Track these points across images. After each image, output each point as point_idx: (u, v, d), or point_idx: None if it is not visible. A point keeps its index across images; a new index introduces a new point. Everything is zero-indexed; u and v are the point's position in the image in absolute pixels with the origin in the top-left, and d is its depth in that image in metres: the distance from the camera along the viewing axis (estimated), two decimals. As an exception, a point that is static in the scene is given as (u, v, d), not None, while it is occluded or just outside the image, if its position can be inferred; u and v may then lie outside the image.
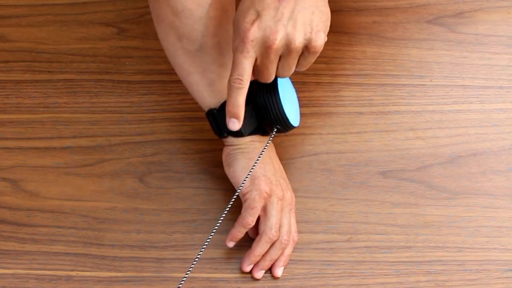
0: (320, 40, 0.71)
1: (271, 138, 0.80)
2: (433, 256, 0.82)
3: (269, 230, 0.79)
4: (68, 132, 0.91)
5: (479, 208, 0.85)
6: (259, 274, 0.81)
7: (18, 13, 1.00)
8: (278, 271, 0.81)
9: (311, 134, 0.89)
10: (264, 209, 0.80)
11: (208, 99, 0.81)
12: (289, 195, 0.82)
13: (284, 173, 0.83)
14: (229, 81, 0.72)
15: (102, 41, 0.97)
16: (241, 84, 0.72)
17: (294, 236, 0.81)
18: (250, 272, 0.81)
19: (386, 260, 0.82)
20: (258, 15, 0.70)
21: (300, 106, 0.83)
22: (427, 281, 0.81)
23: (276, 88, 0.78)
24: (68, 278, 0.82)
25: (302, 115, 0.86)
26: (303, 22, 0.70)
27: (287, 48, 0.71)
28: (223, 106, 0.77)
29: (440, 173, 0.87)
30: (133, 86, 0.93)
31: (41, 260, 0.83)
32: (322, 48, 0.72)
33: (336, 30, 0.95)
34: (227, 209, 0.77)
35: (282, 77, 0.74)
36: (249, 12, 0.70)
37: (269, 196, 0.79)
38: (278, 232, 0.79)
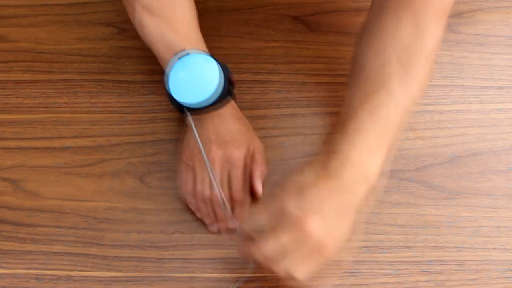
0: (297, 273, 0.69)
1: (187, 114, 0.82)
2: (432, 256, 0.82)
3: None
4: (68, 132, 0.91)
5: (478, 208, 0.85)
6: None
7: (18, 13, 1.00)
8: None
9: (311, 134, 0.89)
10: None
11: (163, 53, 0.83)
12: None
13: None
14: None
15: (102, 41, 0.97)
16: None
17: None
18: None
19: (386, 260, 0.82)
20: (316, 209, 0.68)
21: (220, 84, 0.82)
22: (426, 281, 0.81)
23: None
24: (68, 278, 0.82)
25: (302, 115, 0.86)
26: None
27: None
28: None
29: (440, 173, 0.87)
30: (133, 86, 0.93)
31: (41, 260, 0.83)
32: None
33: (336, 30, 0.96)
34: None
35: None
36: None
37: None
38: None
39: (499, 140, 0.89)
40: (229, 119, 0.84)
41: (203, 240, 0.84)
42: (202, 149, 0.81)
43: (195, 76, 0.81)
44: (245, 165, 0.83)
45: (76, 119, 0.92)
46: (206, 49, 0.86)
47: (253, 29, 0.97)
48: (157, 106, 0.91)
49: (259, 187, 0.84)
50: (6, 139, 0.91)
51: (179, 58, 0.81)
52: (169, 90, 0.81)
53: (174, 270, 0.82)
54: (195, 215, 0.85)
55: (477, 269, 0.81)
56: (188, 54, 0.81)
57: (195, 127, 0.82)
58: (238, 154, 0.82)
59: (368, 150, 0.70)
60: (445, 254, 0.82)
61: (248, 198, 0.84)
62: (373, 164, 0.70)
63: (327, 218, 0.68)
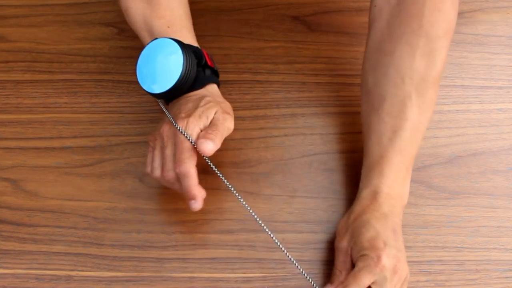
0: None
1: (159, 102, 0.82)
2: (432, 256, 0.82)
3: None
4: (68, 132, 0.91)
5: (478, 208, 0.85)
6: None
7: (18, 13, 1.00)
8: None
9: (311, 134, 0.89)
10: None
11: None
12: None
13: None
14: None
15: (102, 41, 0.97)
16: None
17: None
18: None
19: (386, 260, 0.82)
20: (385, 245, 0.76)
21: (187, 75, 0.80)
22: (426, 281, 0.81)
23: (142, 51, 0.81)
24: (68, 278, 0.82)
25: (302, 115, 0.86)
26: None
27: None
28: None
29: (440, 173, 0.87)
30: (133, 86, 0.93)
31: (41, 260, 0.83)
32: None
33: (336, 30, 0.96)
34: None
35: None
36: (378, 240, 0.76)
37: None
38: None
39: (499, 140, 0.89)
40: (194, 98, 0.80)
41: (203, 240, 0.84)
42: (166, 112, 0.80)
43: (158, 65, 0.80)
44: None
45: (76, 119, 0.92)
46: (191, 35, 0.84)
47: (253, 29, 0.97)
48: (157, 106, 0.91)
49: (200, 145, 0.76)
50: (6, 139, 0.91)
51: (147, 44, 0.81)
52: (137, 80, 0.80)
53: (174, 270, 0.82)
54: (195, 215, 0.85)
55: (477, 269, 0.81)
56: (156, 39, 0.80)
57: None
58: (182, 125, 0.78)
59: (402, 181, 0.80)
60: (445, 254, 0.82)
61: (190, 167, 0.77)
62: (405, 189, 0.81)
63: (393, 246, 0.76)
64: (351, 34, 0.95)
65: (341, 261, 0.77)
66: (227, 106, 0.81)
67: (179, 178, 0.77)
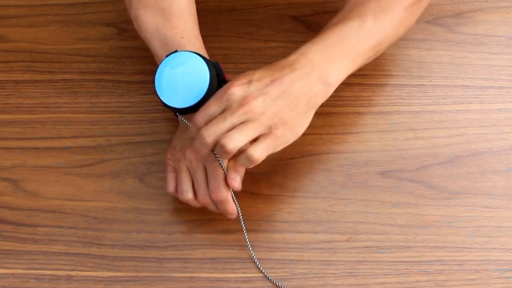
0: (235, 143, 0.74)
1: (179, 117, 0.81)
2: (432, 256, 0.82)
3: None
4: (68, 132, 0.91)
5: (478, 208, 0.85)
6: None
7: (18, 13, 1.00)
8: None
9: (311, 134, 0.89)
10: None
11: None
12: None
13: None
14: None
15: (103, 41, 0.97)
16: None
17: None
18: None
19: (386, 260, 0.82)
20: (249, 82, 0.74)
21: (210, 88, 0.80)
22: (426, 281, 0.81)
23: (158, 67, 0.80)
24: (68, 278, 0.82)
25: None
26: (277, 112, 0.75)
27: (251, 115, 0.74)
28: None
29: (440, 173, 0.87)
30: (133, 86, 0.93)
31: (41, 260, 0.83)
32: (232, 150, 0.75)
33: (336, 30, 0.95)
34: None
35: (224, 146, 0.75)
36: (243, 77, 0.75)
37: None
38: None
39: (499, 140, 0.89)
40: None
41: (203, 240, 0.84)
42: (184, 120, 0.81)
43: (180, 79, 0.79)
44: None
45: (76, 119, 0.92)
46: (202, 45, 0.85)
47: (253, 29, 0.97)
48: (157, 106, 0.91)
49: (231, 181, 0.79)
50: (6, 139, 0.91)
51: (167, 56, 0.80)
52: (156, 92, 0.80)
53: (174, 270, 0.82)
54: (195, 215, 0.85)
55: (477, 269, 0.81)
56: (176, 51, 0.80)
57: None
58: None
59: (330, 58, 0.78)
60: (445, 254, 0.82)
61: (227, 195, 0.80)
62: (334, 70, 0.78)
63: (276, 103, 0.74)
64: (351, 34, 0.95)
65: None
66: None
67: (215, 202, 0.80)
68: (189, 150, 0.79)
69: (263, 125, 0.75)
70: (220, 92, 0.75)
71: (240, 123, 0.74)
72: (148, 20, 0.84)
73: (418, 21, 0.94)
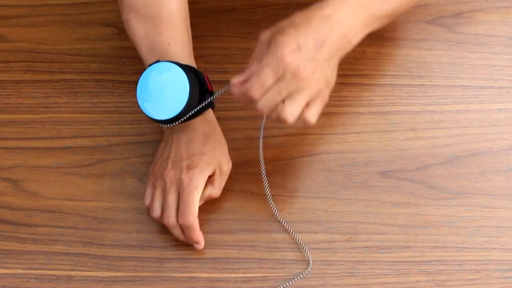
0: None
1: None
2: (432, 256, 0.82)
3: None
4: (68, 132, 0.91)
5: (478, 208, 0.85)
6: None
7: (18, 13, 1.00)
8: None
9: (311, 134, 0.89)
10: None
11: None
12: None
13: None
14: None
15: (103, 41, 0.97)
16: None
17: None
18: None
19: (386, 260, 0.82)
20: (298, 48, 0.73)
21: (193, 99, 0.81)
22: (426, 281, 0.81)
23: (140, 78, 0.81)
24: (68, 278, 0.82)
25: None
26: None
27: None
28: None
29: (440, 173, 0.87)
30: (133, 86, 0.92)
31: (41, 260, 0.83)
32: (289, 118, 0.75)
33: (336, 30, 0.95)
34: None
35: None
36: (289, 39, 0.73)
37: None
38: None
39: (499, 140, 0.89)
40: (197, 137, 0.82)
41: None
42: None
43: (160, 91, 0.80)
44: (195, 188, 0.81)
45: (76, 119, 0.92)
46: (190, 52, 0.85)
47: (253, 29, 0.97)
48: (157, 106, 0.91)
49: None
50: (6, 139, 0.91)
51: (149, 65, 0.80)
52: (137, 101, 0.81)
53: (174, 270, 0.82)
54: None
55: (477, 269, 0.81)
56: (158, 61, 0.80)
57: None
58: (188, 177, 0.80)
59: (357, 17, 0.78)
60: (445, 254, 0.82)
61: (194, 221, 0.81)
62: (358, 31, 0.79)
63: (323, 68, 0.75)
64: (351, 34, 0.95)
65: (258, 52, 0.75)
66: (226, 160, 0.84)
67: (181, 226, 0.81)
68: (165, 172, 0.81)
69: (314, 91, 0.75)
70: (273, 61, 0.72)
71: (294, 92, 0.74)
72: (137, 25, 0.85)
73: (418, 21, 0.94)
